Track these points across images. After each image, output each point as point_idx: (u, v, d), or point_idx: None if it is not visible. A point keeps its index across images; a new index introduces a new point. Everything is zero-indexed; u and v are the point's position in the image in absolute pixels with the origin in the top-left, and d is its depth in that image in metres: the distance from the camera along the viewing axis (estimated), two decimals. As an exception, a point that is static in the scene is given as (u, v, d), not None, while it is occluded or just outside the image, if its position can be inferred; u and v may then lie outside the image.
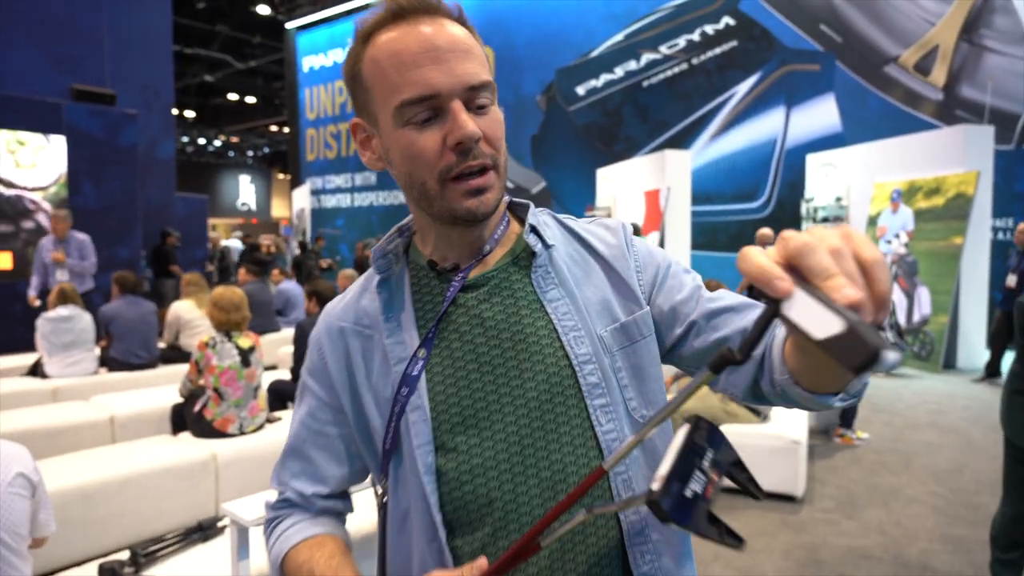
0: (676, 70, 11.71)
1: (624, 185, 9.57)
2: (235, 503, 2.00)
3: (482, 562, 0.66)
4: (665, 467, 0.50)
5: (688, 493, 0.50)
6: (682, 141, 11.39)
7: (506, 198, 0.88)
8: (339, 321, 0.87)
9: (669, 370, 3.69)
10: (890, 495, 3.86)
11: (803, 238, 0.45)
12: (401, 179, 0.78)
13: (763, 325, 0.47)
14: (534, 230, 0.84)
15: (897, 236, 7.76)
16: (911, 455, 4.55)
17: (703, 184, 10.76)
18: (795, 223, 9.49)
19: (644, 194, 8.91)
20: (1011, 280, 6.27)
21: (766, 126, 10.79)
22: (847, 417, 4.82)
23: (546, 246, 0.84)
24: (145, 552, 2.24)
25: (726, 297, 0.84)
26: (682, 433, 0.53)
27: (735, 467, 0.56)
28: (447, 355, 0.79)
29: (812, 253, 0.44)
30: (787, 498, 3.74)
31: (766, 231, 7.54)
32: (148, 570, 2.26)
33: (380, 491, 0.84)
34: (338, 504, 0.90)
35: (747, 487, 0.56)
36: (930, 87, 9.35)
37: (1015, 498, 2.39)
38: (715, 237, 11.05)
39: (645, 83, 12.07)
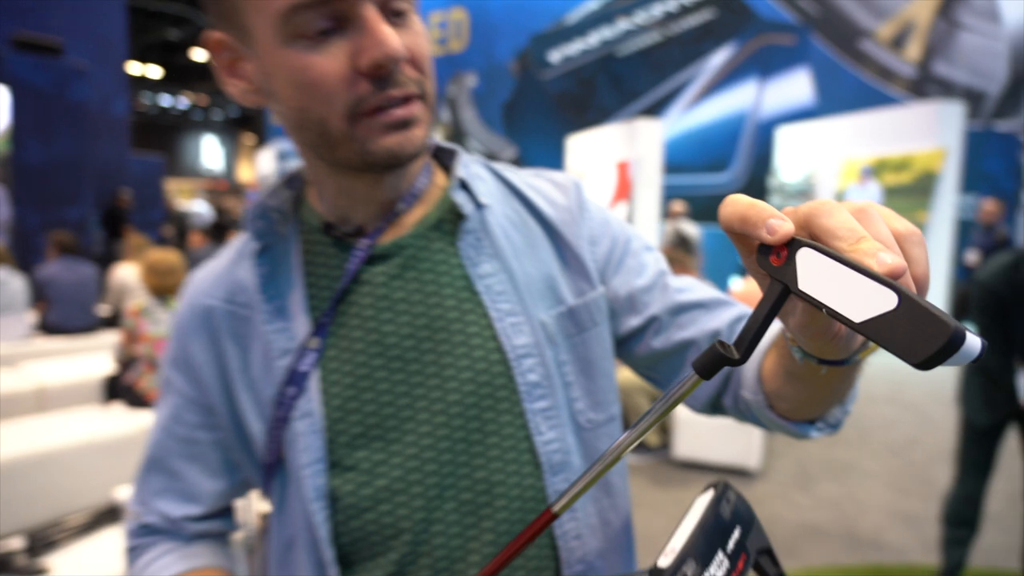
0: (651, 40, 11.52)
1: (594, 154, 9.42)
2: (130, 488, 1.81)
3: None
4: (679, 540, 0.38)
5: None
6: (655, 112, 11.24)
7: (430, 141, 0.69)
8: (206, 298, 0.68)
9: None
10: (845, 469, 3.84)
11: (817, 201, 0.36)
12: (290, 117, 0.58)
13: (769, 310, 0.35)
14: (464, 185, 0.67)
15: (864, 211, 7.74)
16: (868, 429, 4.55)
17: (675, 155, 10.65)
18: (762, 196, 9.45)
19: (617, 166, 8.77)
20: (971, 257, 6.28)
21: (739, 98, 10.68)
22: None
23: (478, 206, 0.66)
24: (44, 538, 2.08)
25: (695, 289, 0.70)
26: (704, 501, 0.41)
27: (765, 557, 0.43)
28: (346, 347, 0.63)
29: (831, 212, 0.34)
30: (742, 472, 3.71)
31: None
32: (47, 557, 2.09)
33: (264, 511, 0.70)
34: (217, 525, 0.73)
35: None
36: (904, 63, 9.30)
37: (967, 478, 2.36)
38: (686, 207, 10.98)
39: (619, 52, 11.87)
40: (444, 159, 0.71)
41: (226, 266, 0.69)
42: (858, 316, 0.30)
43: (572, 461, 0.65)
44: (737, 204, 0.37)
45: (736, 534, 0.41)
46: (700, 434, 3.74)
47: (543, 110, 12.84)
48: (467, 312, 0.64)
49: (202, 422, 0.69)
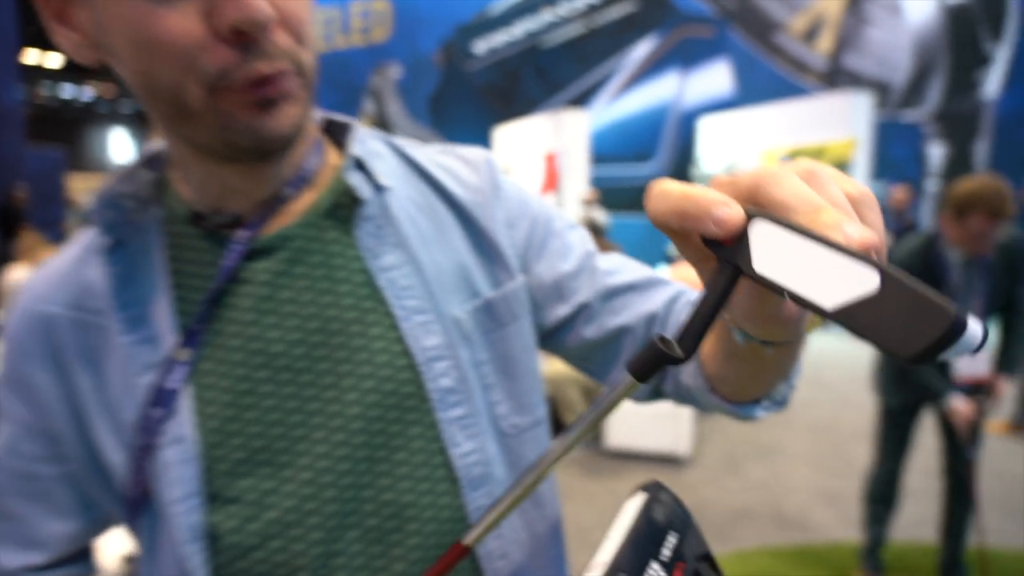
0: (574, 32, 11.61)
1: (522, 146, 9.39)
2: None
3: None
4: (608, 552, 0.33)
5: None
6: (581, 102, 11.33)
7: (318, 115, 0.61)
8: (44, 304, 0.56)
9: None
10: (771, 451, 3.94)
11: (761, 168, 0.31)
12: (135, 82, 0.48)
13: (717, 298, 0.31)
14: (360, 165, 0.58)
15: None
16: (792, 411, 4.68)
17: (601, 146, 10.77)
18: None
19: (544, 157, 8.76)
20: (884, 242, 6.58)
21: (662, 90, 10.88)
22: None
23: (378, 189, 0.58)
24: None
25: (625, 269, 0.64)
26: (635, 505, 0.36)
27: (704, 564, 0.38)
28: (224, 358, 0.53)
29: (780, 180, 0.30)
30: (673, 460, 3.74)
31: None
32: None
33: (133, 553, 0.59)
34: (67, 572, 0.62)
35: None
36: (816, 56, 9.65)
37: (886, 458, 2.43)
38: (612, 198, 11.13)
39: (543, 44, 11.91)
40: (338, 135, 0.62)
41: (70, 266, 0.57)
42: (830, 302, 0.25)
43: (495, 473, 0.58)
44: (669, 197, 0.31)
45: (672, 541, 0.36)
46: (631, 424, 3.75)
47: (469, 102, 12.76)
48: (367, 312, 0.55)
49: (44, 453, 0.57)
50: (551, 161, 8.61)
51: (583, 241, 0.66)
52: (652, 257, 8.01)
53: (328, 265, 0.56)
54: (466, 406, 0.57)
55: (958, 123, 8.59)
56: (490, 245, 0.61)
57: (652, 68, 10.97)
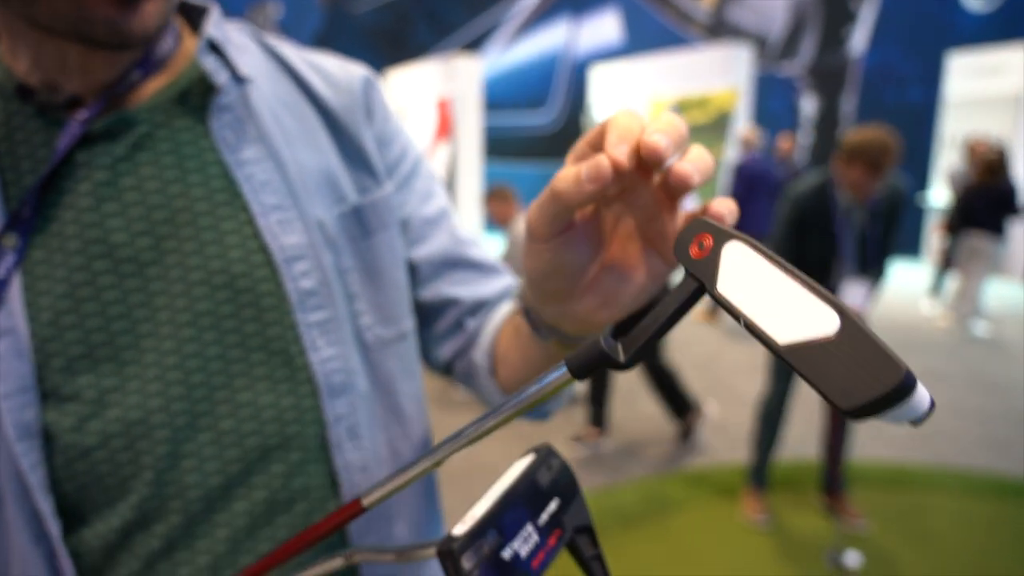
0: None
1: (414, 92, 9.15)
2: None
3: None
4: (481, 507, 0.32)
5: (506, 554, 0.32)
6: (471, 49, 11.16)
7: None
8: None
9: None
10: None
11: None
12: None
13: (674, 311, 0.30)
14: (216, 50, 0.54)
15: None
16: (678, 350, 4.94)
17: (493, 94, 10.70)
18: (579, 135, 9.80)
19: (437, 104, 8.57)
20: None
21: (552, 38, 10.88)
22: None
23: (237, 80, 0.54)
24: None
25: (478, 246, 0.65)
26: (520, 466, 0.35)
27: (583, 535, 0.36)
28: (59, 247, 0.49)
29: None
30: (571, 397, 3.85)
31: None
32: None
33: None
34: None
35: (591, 569, 0.35)
36: (700, 8, 9.94)
37: (779, 382, 2.60)
38: (506, 147, 11.12)
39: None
40: (193, 17, 0.57)
41: None
42: (783, 337, 0.24)
43: (356, 383, 0.56)
44: (621, 123, 0.34)
45: (552, 506, 0.35)
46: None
47: (357, 44, 12.24)
48: (220, 205, 0.52)
49: None
50: (444, 108, 8.44)
51: (446, 199, 0.65)
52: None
53: (177, 154, 0.52)
54: (328, 311, 0.54)
55: (828, 77, 9.15)
56: (357, 151, 0.59)
57: (543, 15, 10.93)
